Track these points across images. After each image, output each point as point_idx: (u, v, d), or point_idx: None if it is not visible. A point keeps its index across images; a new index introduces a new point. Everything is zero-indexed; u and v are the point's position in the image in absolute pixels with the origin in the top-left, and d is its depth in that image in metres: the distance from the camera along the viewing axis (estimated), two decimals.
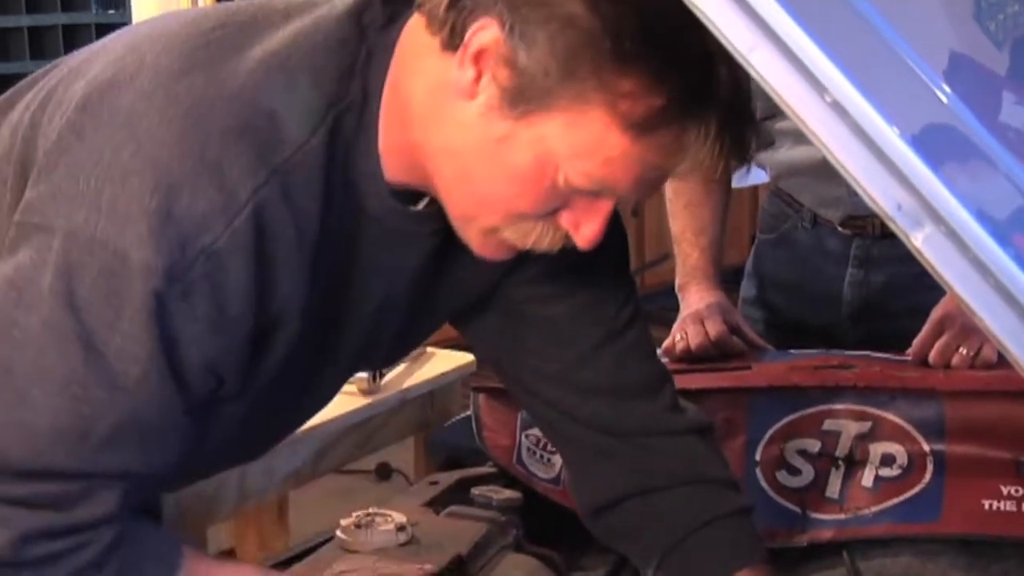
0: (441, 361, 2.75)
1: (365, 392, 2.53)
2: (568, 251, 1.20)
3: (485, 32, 1.08)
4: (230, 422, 1.22)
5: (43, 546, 1.10)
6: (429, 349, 2.75)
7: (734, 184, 2.12)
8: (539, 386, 1.43)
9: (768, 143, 2.05)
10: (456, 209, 1.17)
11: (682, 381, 1.72)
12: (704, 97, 1.08)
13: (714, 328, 1.85)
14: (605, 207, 1.15)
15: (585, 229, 1.15)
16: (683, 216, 2.06)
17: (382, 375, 2.57)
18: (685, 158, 1.10)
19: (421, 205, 1.21)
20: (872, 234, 2.00)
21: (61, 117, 1.14)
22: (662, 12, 1.03)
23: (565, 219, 1.15)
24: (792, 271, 2.12)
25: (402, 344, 1.43)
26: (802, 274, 2.11)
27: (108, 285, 1.05)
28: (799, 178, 2.05)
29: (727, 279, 2.03)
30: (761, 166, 2.11)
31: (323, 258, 1.15)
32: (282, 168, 1.09)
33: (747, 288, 2.19)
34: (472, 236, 1.18)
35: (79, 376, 1.07)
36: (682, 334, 1.86)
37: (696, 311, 1.90)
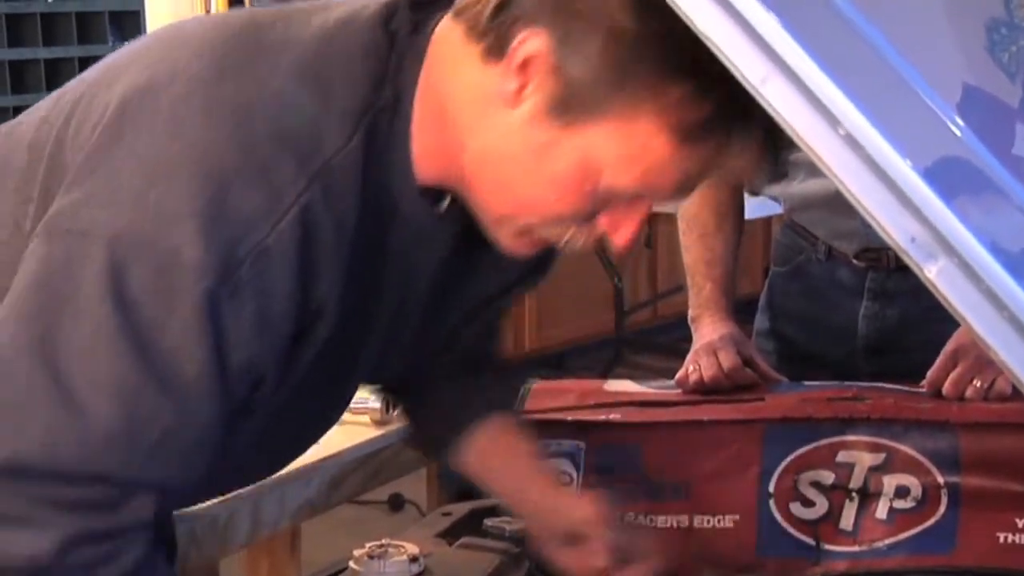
0: None
1: (377, 423, 2.52)
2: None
3: (532, 42, 1.09)
4: (251, 434, 1.21)
5: (84, 552, 1.10)
6: None
7: (747, 216, 2.12)
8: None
9: (781, 175, 2.05)
10: (492, 211, 1.19)
11: (695, 412, 1.72)
12: (749, 108, 1.08)
13: (727, 360, 1.85)
14: (642, 210, 1.16)
15: (622, 232, 1.17)
16: (696, 248, 2.06)
17: (394, 406, 2.57)
18: (724, 166, 1.12)
19: (443, 207, 1.21)
20: (887, 267, 2.00)
21: (93, 127, 1.14)
22: None
23: (603, 222, 1.16)
24: (806, 304, 2.12)
25: (414, 354, 1.43)
26: (816, 307, 2.10)
27: (158, 285, 1.06)
28: (813, 211, 2.05)
29: (740, 311, 2.02)
30: (774, 198, 2.11)
31: (357, 259, 1.16)
32: (322, 172, 1.10)
33: (760, 320, 2.19)
34: (505, 235, 1.20)
35: (131, 380, 1.07)
36: (695, 366, 1.85)
37: (709, 343, 1.90)
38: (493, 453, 1.52)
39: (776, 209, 2.17)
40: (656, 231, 5.57)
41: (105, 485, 1.10)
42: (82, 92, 1.21)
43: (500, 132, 1.13)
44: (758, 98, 0.91)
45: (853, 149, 0.88)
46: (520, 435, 1.54)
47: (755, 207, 2.22)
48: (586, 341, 5.50)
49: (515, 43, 1.10)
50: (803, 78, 0.89)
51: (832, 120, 0.88)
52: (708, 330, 1.95)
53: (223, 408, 1.12)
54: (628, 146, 1.10)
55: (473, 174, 1.17)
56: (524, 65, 1.10)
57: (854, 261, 2.03)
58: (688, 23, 0.94)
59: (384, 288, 1.23)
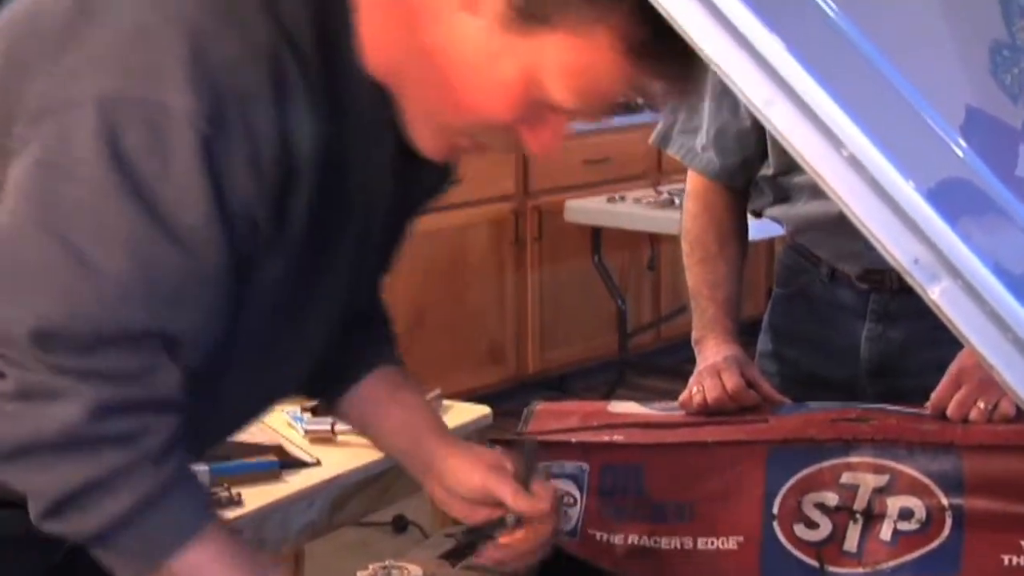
0: (456, 414, 2.74)
1: None
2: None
3: None
4: (251, 334, 1.22)
5: (117, 422, 1.11)
6: (445, 402, 2.75)
7: (751, 237, 2.12)
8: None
9: (784, 197, 2.06)
10: (422, 107, 1.21)
11: (699, 434, 1.72)
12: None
13: (731, 381, 1.85)
14: (563, 123, 1.19)
15: (544, 139, 1.20)
16: (699, 270, 2.06)
17: None
18: (652, 89, 1.16)
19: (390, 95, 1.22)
20: (890, 288, 2.00)
21: (52, 16, 1.16)
22: None
23: (526, 130, 1.19)
24: (809, 325, 2.12)
25: (380, 268, 1.45)
26: (819, 328, 2.10)
27: (152, 136, 1.08)
28: (816, 232, 2.05)
29: (743, 332, 2.03)
30: (777, 220, 2.12)
31: (326, 134, 1.17)
32: (288, 34, 1.14)
33: (764, 342, 2.19)
34: (427, 134, 1.22)
35: (138, 232, 1.10)
36: (699, 387, 1.85)
37: (713, 364, 1.90)
38: (381, 406, 1.50)
39: (779, 230, 2.17)
40: (659, 252, 5.58)
41: (129, 348, 1.11)
42: (23, 6, 1.21)
43: (454, 34, 1.15)
44: (763, 120, 0.91)
45: (857, 171, 0.89)
46: (408, 388, 1.52)
47: (758, 228, 2.22)
48: (589, 363, 5.50)
49: None
50: (807, 100, 0.89)
51: (836, 142, 0.89)
52: (712, 352, 1.95)
53: (230, 257, 1.14)
54: (579, 58, 1.12)
55: (416, 68, 1.18)
56: None
57: (857, 283, 2.03)
58: (693, 45, 0.94)
59: (351, 177, 1.24)
